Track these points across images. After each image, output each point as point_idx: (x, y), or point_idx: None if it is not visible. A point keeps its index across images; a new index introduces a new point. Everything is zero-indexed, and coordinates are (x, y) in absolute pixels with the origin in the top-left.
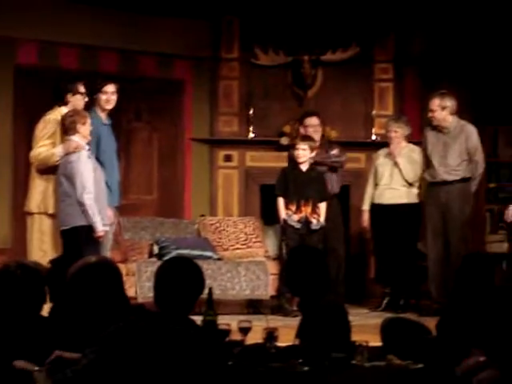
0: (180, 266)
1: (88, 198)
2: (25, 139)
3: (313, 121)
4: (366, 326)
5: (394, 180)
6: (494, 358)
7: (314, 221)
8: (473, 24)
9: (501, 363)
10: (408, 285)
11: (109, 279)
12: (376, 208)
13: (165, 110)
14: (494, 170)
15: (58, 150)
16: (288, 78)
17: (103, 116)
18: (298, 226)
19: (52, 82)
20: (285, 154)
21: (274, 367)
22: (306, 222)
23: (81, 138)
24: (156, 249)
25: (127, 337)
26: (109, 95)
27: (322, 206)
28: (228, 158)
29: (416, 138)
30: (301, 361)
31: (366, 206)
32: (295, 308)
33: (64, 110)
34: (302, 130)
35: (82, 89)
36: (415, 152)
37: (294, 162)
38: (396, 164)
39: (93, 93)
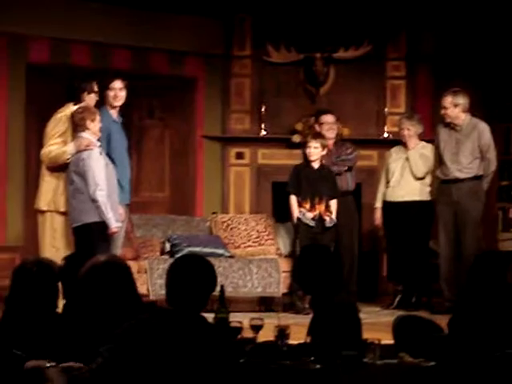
0: (192, 264)
1: (101, 195)
2: (37, 136)
3: (328, 118)
4: (378, 324)
5: (404, 176)
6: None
7: (328, 218)
8: (485, 21)
9: None
10: (420, 283)
11: (120, 278)
12: (388, 206)
13: (177, 108)
14: (507, 168)
15: (70, 148)
16: (300, 76)
17: (114, 113)
18: (312, 223)
19: (64, 80)
20: (296, 151)
21: (286, 365)
22: (319, 220)
23: (91, 135)
24: (168, 246)
25: (141, 334)
26: (116, 91)
27: (334, 204)
28: (240, 156)
29: (428, 136)
30: (312, 359)
31: (378, 204)
32: (307, 306)
33: (75, 107)
34: (317, 128)
35: (96, 87)
36: (427, 149)
37: (306, 160)
38: (407, 159)
39: (102, 90)
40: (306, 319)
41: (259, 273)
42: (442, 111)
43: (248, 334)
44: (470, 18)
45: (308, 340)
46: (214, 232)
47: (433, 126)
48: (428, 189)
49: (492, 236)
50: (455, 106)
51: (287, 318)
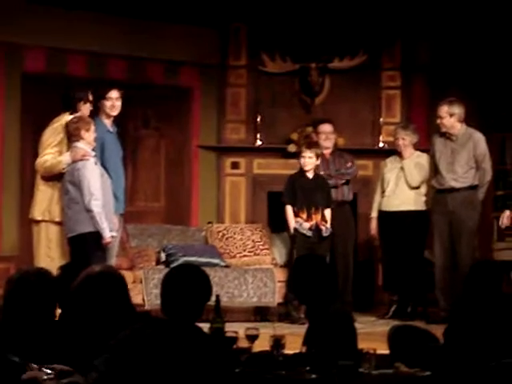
0: (187, 274)
1: (96, 205)
2: (32, 146)
3: (325, 128)
4: (373, 334)
5: (399, 186)
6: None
7: (324, 228)
8: (480, 31)
9: None
10: (415, 292)
11: (114, 288)
12: (383, 215)
13: (172, 117)
14: (502, 178)
15: (65, 158)
16: (295, 86)
17: (108, 123)
18: (309, 233)
19: (60, 89)
20: (292, 161)
21: (281, 375)
22: (316, 230)
23: (85, 145)
24: (163, 256)
25: (136, 345)
26: (113, 101)
27: (328, 213)
28: (235, 166)
29: (423, 146)
30: (308, 368)
31: (374, 214)
32: (302, 316)
33: (70, 117)
34: (314, 137)
35: (91, 97)
36: (423, 158)
37: (301, 170)
38: (402, 169)
39: (97, 100)
40: (301, 329)
41: (254, 282)
42: (438, 121)
43: (243, 343)
44: (465, 28)
45: (303, 350)
46: (210, 242)
47: (428, 135)
48: (423, 198)
49: (487, 246)
50: (451, 116)
51: (283, 328)
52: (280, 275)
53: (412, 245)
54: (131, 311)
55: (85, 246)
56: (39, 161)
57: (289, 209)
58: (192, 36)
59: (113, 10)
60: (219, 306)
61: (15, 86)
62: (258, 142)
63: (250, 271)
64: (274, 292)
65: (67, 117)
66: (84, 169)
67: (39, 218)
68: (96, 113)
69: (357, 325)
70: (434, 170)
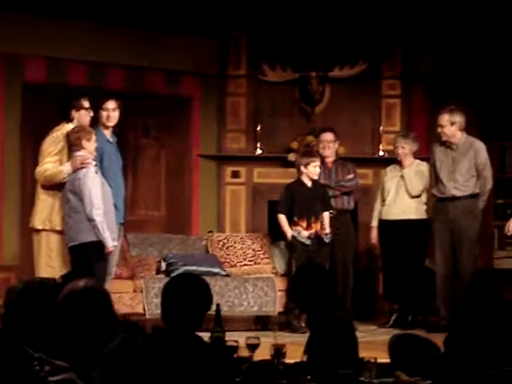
0: (187, 283)
1: (97, 214)
2: (32, 155)
3: (326, 136)
4: (374, 343)
5: (399, 195)
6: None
7: (324, 236)
8: (480, 40)
9: None
10: (416, 301)
11: (98, 305)
12: (384, 224)
13: (172, 127)
14: (502, 186)
15: (66, 168)
16: (295, 95)
17: (107, 133)
18: (307, 242)
19: (60, 99)
20: (292, 170)
21: None
22: (316, 238)
23: (86, 154)
24: (163, 265)
25: (130, 355)
26: (110, 112)
27: (326, 216)
28: (235, 175)
29: (423, 154)
30: (309, 377)
31: (374, 223)
32: (303, 324)
33: (71, 126)
34: (316, 146)
35: (86, 104)
36: (423, 166)
37: (299, 179)
38: (402, 178)
39: (96, 110)
40: (302, 338)
41: (255, 291)
42: (439, 129)
43: (244, 352)
44: (466, 37)
45: (304, 359)
46: (210, 251)
47: (428, 144)
48: (424, 207)
49: (488, 254)
50: (452, 124)
51: (283, 337)
52: (280, 284)
53: (413, 253)
54: (115, 324)
55: (86, 256)
56: (39, 169)
57: (282, 218)
58: (192, 46)
59: (113, 20)
60: (219, 315)
61: (15, 95)
62: (259, 151)
63: (250, 280)
64: (274, 301)
65: (67, 126)
66: (85, 178)
67: (40, 227)
68: (95, 123)
69: (357, 334)
70: (435, 178)
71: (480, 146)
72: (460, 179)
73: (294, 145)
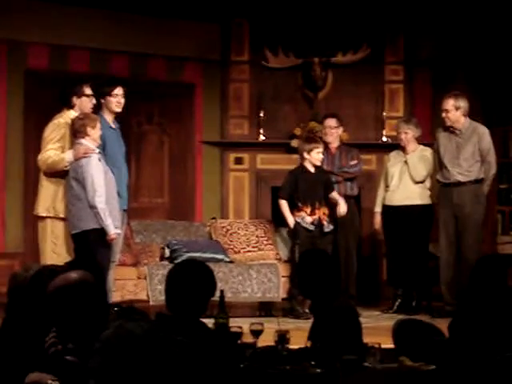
0: (191, 269)
1: (99, 201)
2: (35, 143)
3: (329, 122)
4: (378, 328)
5: (403, 180)
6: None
7: (326, 223)
8: (483, 25)
9: None
10: (420, 286)
11: (89, 298)
12: (387, 210)
13: (175, 113)
14: (505, 171)
15: (68, 156)
16: (298, 80)
17: (110, 119)
18: (311, 228)
19: (63, 86)
20: (295, 156)
21: (286, 370)
22: (318, 225)
23: (90, 142)
24: (167, 252)
25: (129, 342)
26: (119, 98)
27: (335, 194)
28: (239, 161)
29: (426, 140)
30: (313, 363)
31: (377, 209)
32: (307, 310)
33: (72, 113)
34: (319, 133)
35: (87, 91)
36: (427, 151)
37: (301, 165)
38: (406, 163)
39: (100, 96)
40: (306, 324)
41: (259, 278)
42: (444, 114)
43: (248, 339)
44: (468, 22)
45: (308, 345)
46: (214, 237)
47: (431, 129)
48: (427, 192)
49: (491, 239)
50: (457, 109)
51: (287, 323)
52: (284, 270)
53: (416, 239)
54: (107, 315)
55: (88, 243)
56: (41, 157)
57: (284, 203)
58: (194, 32)
59: (115, 7)
60: (223, 301)
61: (18, 82)
62: (262, 138)
63: (254, 266)
64: (278, 287)
65: (68, 112)
66: (88, 165)
67: (44, 215)
68: (98, 109)
69: (361, 319)
70: (439, 164)
71: (484, 131)
72: (464, 164)
73: (297, 131)
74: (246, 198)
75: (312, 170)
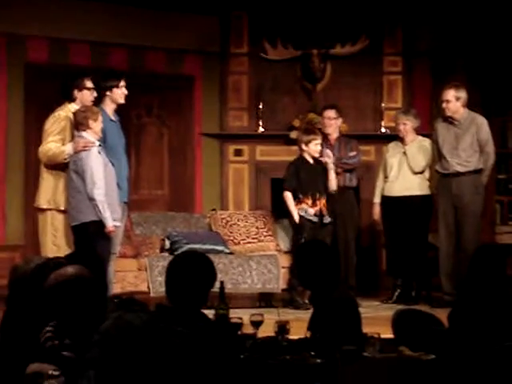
0: (191, 261)
1: (98, 194)
2: (36, 136)
3: (328, 113)
4: (377, 318)
5: (402, 171)
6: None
7: (326, 215)
8: (481, 16)
9: None
10: (419, 277)
11: (85, 292)
12: (386, 201)
13: (175, 106)
14: (504, 161)
15: (68, 148)
16: (297, 72)
17: (111, 112)
18: (315, 219)
19: (63, 79)
20: (294, 147)
21: (286, 360)
22: (320, 216)
23: (92, 134)
24: (167, 243)
25: (130, 334)
26: (124, 90)
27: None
28: (238, 153)
29: (425, 131)
30: (312, 353)
31: (376, 199)
32: (307, 301)
33: (73, 106)
34: (318, 124)
35: (89, 84)
36: (426, 142)
37: (301, 156)
38: (405, 154)
39: (106, 89)
40: (305, 314)
41: (259, 269)
42: (444, 104)
43: (248, 329)
44: (467, 13)
45: (308, 335)
46: (214, 229)
47: (430, 120)
48: (426, 183)
49: (490, 229)
50: (457, 100)
51: (287, 314)
52: (284, 261)
53: (416, 229)
54: (105, 309)
55: (88, 235)
56: (42, 149)
57: (289, 196)
58: (193, 24)
59: (115, 0)
60: (223, 292)
61: (18, 75)
62: (261, 129)
63: (254, 258)
64: (278, 278)
65: (69, 105)
66: (87, 158)
67: (45, 207)
68: (98, 102)
69: (361, 309)
70: (438, 154)
71: (482, 122)
72: (463, 155)
73: (296, 122)
74: (245, 189)
75: (311, 161)
